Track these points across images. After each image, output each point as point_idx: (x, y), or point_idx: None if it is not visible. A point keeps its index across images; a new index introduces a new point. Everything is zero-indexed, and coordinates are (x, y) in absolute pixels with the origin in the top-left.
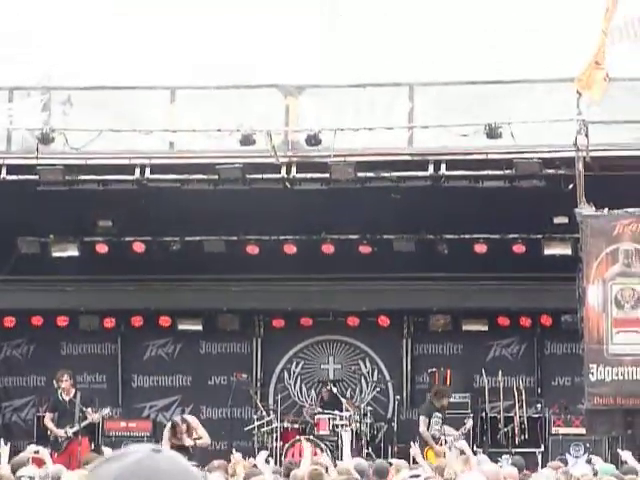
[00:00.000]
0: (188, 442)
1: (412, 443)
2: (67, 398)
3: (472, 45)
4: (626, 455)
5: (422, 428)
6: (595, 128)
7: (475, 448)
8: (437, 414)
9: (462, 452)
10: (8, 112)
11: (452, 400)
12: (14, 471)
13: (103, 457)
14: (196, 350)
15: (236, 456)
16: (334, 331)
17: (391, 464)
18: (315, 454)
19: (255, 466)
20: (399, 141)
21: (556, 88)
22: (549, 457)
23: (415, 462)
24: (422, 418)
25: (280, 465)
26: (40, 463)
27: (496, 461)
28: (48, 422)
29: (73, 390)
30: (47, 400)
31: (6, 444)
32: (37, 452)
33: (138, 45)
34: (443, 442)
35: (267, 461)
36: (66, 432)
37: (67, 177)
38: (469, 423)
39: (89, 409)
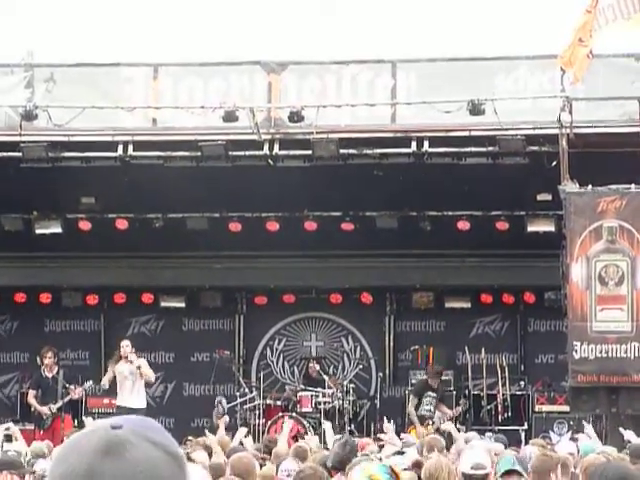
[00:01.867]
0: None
1: (385, 419)
2: (50, 375)
3: (455, 22)
4: (629, 434)
5: (410, 407)
6: (578, 105)
7: (458, 425)
8: (431, 393)
9: (449, 434)
10: None
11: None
12: None
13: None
14: (179, 327)
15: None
16: (317, 308)
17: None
18: (298, 431)
19: (241, 443)
20: (382, 118)
21: (539, 65)
22: (532, 435)
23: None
24: (411, 397)
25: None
26: (25, 438)
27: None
28: (31, 399)
29: (56, 367)
30: (30, 377)
31: None
32: (7, 429)
33: (121, 21)
34: (430, 423)
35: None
36: (50, 409)
37: (50, 154)
38: (462, 406)
39: (71, 386)
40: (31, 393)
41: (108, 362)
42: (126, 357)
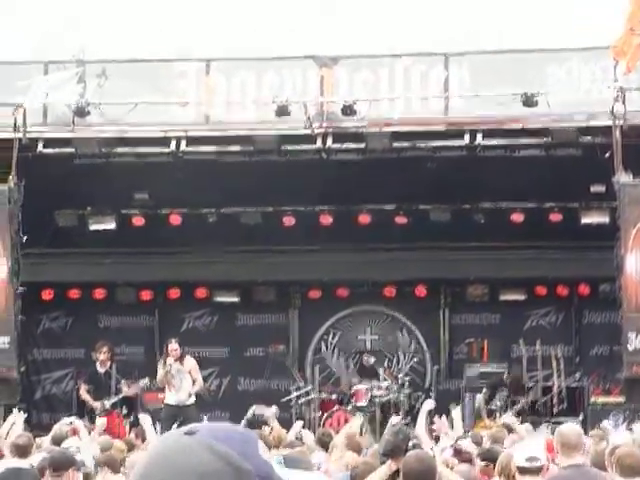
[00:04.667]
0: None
1: (437, 417)
2: (103, 370)
3: (507, 14)
4: None
5: (480, 399)
6: (632, 95)
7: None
8: (504, 389)
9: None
10: (44, 86)
11: (489, 370)
12: (57, 444)
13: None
14: (233, 322)
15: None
16: (371, 302)
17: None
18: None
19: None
20: (435, 111)
21: (592, 56)
22: (588, 426)
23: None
24: (484, 389)
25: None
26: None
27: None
28: (84, 394)
29: (109, 362)
30: (85, 372)
31: (45, 416)
32: (71, 423)
33: (173, 16)
34: (497, 417)
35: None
36: (103, 404)
37: (103, 150)
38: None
39: (124, 381)
40: (83, 388)
41: (158, 361)
42: (177, 358)
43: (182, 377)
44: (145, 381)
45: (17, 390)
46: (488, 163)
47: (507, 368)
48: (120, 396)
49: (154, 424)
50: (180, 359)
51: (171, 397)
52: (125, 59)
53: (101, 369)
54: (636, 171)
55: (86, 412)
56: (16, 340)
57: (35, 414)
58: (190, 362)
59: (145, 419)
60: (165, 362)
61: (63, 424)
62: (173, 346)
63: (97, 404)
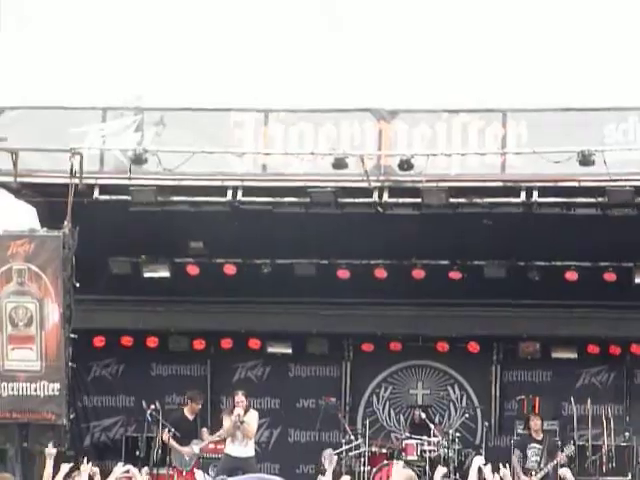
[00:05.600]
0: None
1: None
2: (191, 417)
3: (565, 71)
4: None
5: (514, 460)
6: None
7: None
8: (535, 445)
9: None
10: (101, 132)
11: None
12: None
13: None
14: (285, 373)
15: None
16: (423, 356)
17: None
18: None
19: None
20: (492, 167)
21: None
22: None
23: None
24: (515, 451)
25: None
26: None
27: None
28: (169, 439)
29: (196, 413)
30: (135, 420)
31: (93, 463)
32: (128, 471)
33: (232, 66)
34: (534, 473)
35: None
36: (192, 449)
37: (159, 198)
38: (567, 451)
39: (205, 429)
40: (166, 433)
41: (222, 413)
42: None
43: (243, 429)
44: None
45: (66, 437)
46: (544, 221)
47: (558, 426)
48: (205, 443)
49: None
50: (246, 411)
51: (233, 448)
52: (183, 107)
53: (190, 416)
54: None
55: (139, 459)
56: (66, 387)
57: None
58: (253, 415)
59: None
60: (232, 412)
61: (119, 471)
62: (240, 397)
63: (187, 449)
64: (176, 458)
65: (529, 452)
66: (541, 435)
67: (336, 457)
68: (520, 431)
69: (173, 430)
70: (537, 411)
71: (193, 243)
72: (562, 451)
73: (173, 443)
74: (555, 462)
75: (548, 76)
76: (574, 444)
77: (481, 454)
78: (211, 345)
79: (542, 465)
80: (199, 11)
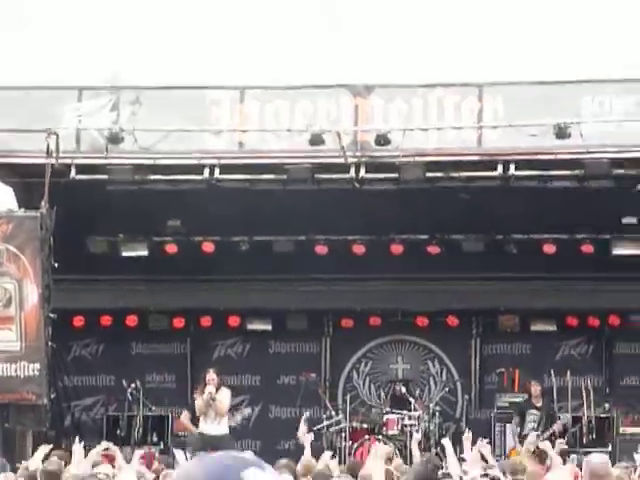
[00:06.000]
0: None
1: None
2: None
3: (540, 44)
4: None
5: (513, 427)
6: None
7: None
8: (533, 411)
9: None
10: (77, 112)
11: (520, 400)
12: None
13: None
14: (265, 350)
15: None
16: (403, 331)
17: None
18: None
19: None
20: (468, 141)
21: (625, 88)
22: (617, 457)
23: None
24: (514, 418)
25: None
26: (111, 460)
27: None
28: (186, 421)
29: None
30: (116, 399)
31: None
32: (107, 449)
33: (207, 44)
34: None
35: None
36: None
37: (136, 177)
38: (562, 420)
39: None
40: (186, 414)
41: (195, 392)
42: (217, 387)
43: (216, 408)
44: (248, 410)
45: (47, 417)
46: (521, 194)
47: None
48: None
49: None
50: (217, 388)
51: (206, 426)
52: (159, 86)
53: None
54: None
55: (119, 439)
56: (46, 367)
57: (64, 441)
58: (225, 392)
59: (179, 455)
60: (204, 391)
61: (99, 449)
62: (211, 375)
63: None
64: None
65: (528, 418)
66: (541, 401)
67: (311, 434)
68: (500, 404)
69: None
70: (517, 384)
71: (171, 221)
72: (559, 419)
73: (188, 424)
74: (552, 430)
75: (523, 49)
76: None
77: (462, 427)
78: (190, 323)
79: (539, 431)
80: None
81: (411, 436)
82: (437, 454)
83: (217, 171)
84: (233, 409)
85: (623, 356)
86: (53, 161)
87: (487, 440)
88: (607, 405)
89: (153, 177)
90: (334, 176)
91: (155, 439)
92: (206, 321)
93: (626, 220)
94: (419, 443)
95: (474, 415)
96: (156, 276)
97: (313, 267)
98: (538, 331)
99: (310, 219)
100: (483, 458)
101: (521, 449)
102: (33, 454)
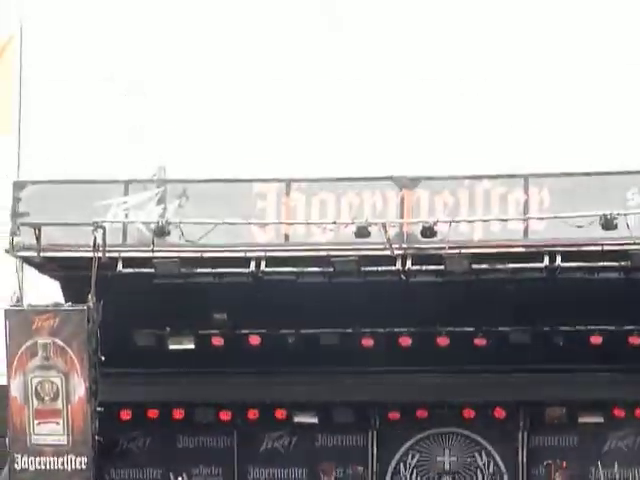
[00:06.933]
0: None
1: None
2: None
3: (587, 136)
4: None
5: None
6: None
7: None
8: None
9: None
10: (124, 205)
11: None
12: None
13: None
14: (311, 442)
15: None
16: (450, 423)
17: None
18: None
19: None
20: (514, 232)
21: None
22: None
23: None
24: None
25: None
26: None
27: None
28: None
29: None
30: None
31: None
32: None
33: (252, 138)
34: None
35: None
36: None
37: (182, 270)
38: None
39: None
40: None
41: None
42: None
43: None
44: None
45: None
46: (567, 285)
47: None
48: None
49: None
50: None
51: None
52: (205, 179)
53: None
54: None
55: None
56: (93, 460)
57: None
58: None
59: None
60: None
61: None
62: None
63: None
64: None
65: None
66: None
67: None
68: None
69: None
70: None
71: (217, 314)
72: None
73: None
74: None
75: (569, 139)
76: None
77: None
78: (237, 416)
79: None
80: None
81: None
82: None
83: (263, 264)
84: None
85: None
86: (100, 254)
87: None
88: None
89: (199, 270)
90: (380, 268)
91: None
92: (252, 414)
93: None
94: None
95: None
96: (202, 369)
97: (359, 359)
98: (585, 423)
99: (356, 311)
100: None
101: None
102: None
